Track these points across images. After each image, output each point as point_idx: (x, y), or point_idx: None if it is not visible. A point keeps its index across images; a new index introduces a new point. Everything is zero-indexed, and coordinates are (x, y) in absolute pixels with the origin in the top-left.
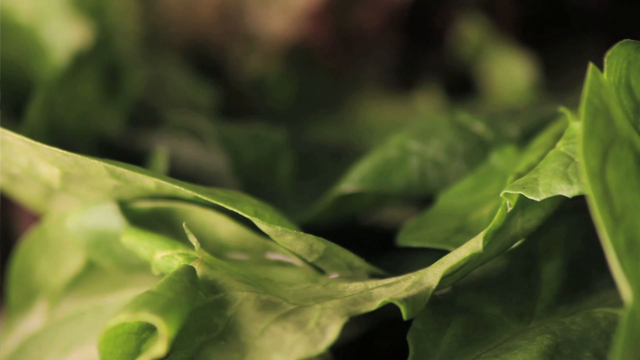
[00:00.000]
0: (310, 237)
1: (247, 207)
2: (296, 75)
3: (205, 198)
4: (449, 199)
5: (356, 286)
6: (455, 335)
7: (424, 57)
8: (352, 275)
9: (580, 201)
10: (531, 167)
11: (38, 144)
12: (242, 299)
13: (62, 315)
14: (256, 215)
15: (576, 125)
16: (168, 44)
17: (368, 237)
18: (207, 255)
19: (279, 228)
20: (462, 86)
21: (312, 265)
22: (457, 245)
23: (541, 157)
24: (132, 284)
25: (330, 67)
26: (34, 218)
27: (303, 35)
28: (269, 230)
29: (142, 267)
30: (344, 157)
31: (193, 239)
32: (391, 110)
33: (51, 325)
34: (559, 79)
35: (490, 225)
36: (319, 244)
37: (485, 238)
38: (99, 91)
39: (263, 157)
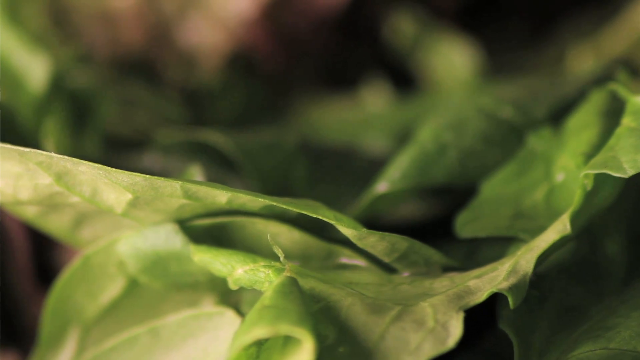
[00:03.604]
0: (394, 237)
1: (327, 213)
2: (240, 83)
3: (288, 207)
4: (494, 187)
5: (442, 281)
6: (549, 320)
7: (362, 54)
8: (426, 271)
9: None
10: (596, 146)
11: (117, 170)
12: (349, 304)
13: (110, 343)
14: (336, 219)
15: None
16: (102, 65)
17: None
18: (293, 265)
19: (364, 230)
20: (404, 79)
21: (381, 265)
22: (523, 231)
23: (602, 135)
24: (184, 302)
25: (272, 72)
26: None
27: (242, 43)
28: (352, 234)
29: (193, 286)
30: (352, 158)
31: (278, 250)
32: (339, 108)
33: (100, 353)
34: (496, 62)
35: (573, 206)
36: (402, 243)
37: (570, 220)
38: (72, 119)
39: (278, 164)
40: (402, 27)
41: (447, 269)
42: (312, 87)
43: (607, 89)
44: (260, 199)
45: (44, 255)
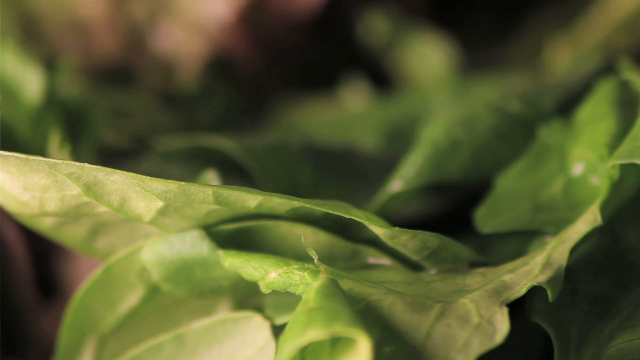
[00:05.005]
0: (425, 234)
1: (358, 213)
2: (220, 88)
3: (320, 209)
4: (509, 182)
5: (473, 277)
6: (583, 313)
7: (337, 54)
8: (453, 267)
9: None
10: (616, 137)
11: (151, 178)
12: (390, 303)
13: (128, 353)
14: (367, 219)
15: None
16: (80, 75)
17: None
18: (326, 267)
19: (396, 229)
20: (381, 78)
21: (405, 263)
22: (547, 224)
23: (620, 126)
24: (200, 309)
25: (250, 75)
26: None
27: (219, 47)
28: (384, 233)
29: (215, 291)
30: (351, 157)
31: (312, 252)
32: (320, 109)
33: None
34: (471, 58)
35: (601, 197)
36: (434, 240)
37: (599, 210)
38: (67, 130)
39: (284, 166)
40: (377, 26)
41: (472, 265)
42: (290, 89)
43: (617, 79)
44: (293, 202)
45: (45, 267)
